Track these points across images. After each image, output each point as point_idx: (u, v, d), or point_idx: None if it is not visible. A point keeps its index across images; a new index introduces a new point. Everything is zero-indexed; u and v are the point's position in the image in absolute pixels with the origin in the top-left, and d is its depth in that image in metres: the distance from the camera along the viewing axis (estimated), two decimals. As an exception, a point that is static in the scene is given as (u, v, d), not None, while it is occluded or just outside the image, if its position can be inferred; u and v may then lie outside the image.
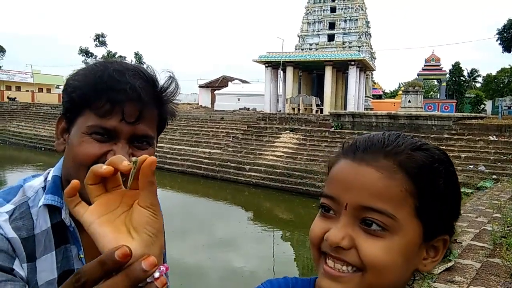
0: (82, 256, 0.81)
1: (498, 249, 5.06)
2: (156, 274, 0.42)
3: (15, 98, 34.74)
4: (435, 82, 45.03)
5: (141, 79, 0.77)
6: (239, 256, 8.13)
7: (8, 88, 40.44)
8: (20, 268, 0.71)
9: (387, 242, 0.54)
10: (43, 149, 23.20)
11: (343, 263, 0.56)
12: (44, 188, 0.82)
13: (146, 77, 0.79)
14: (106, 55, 36.32)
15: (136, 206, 0.47)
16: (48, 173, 0.85)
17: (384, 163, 0.56)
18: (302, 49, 30.29)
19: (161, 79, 0.83)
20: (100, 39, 38.23)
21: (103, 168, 0.46)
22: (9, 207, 0.75)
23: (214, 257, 7.92)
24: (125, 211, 0.48)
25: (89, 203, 0.48)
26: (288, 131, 17.33)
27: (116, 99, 0.74)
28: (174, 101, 0.87)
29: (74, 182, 0.47)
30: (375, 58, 32.46)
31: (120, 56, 38.84)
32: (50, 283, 0.76)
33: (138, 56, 39.33)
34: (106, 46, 38.43)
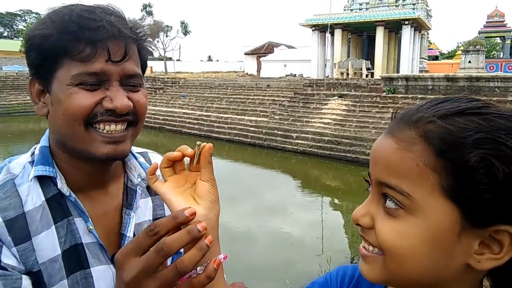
0: (92, 227, 0.75)
1: None
2: (198, 269, 0.54)
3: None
4: (498, 40, 41.59)
5: (113, 15, 0.70)
6: (288, 223, 8.15)
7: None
8: (10, 256, 0.66)
9: (402, 224, 0.48)
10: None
11: (368, 243, 0.53)
12: (31, 162, 0.75)
13: (117, 13, 0.72)
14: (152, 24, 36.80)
15: (199, 181, 0.61)
16: (35, 148, 0.78)
17: (406, 133, 0.49)
18: (352, 10, 28.77)
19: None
20: (147, 9, 38.69)
21: (174, 153, 0.60)
22: None
23: (263, 224, 8.01)
24: (189, 187, 0.62)
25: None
26: (336, 97, 16.80)
27: (96, 38, 0.67)
28: (152, 39, 0.79)
29: (155, 164, 0.62)
30: (431, 16, 30.22)
31: (167, 26, 39.27)
32: (53, 260, 0.70)
33: (184, 24, 39.46)
34: (152, 16, 38.88)
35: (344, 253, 6.64)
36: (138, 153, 0.90)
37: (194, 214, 0.52)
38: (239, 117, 18.30)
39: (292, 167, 13.44)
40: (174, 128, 19.20)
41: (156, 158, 0.96)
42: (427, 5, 28.96)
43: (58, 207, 0.73)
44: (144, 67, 0.80)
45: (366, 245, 0.53)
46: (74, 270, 0.73)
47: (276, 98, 19.27)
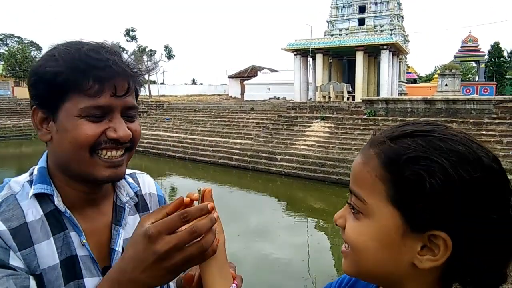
0: (85, 241, 0.82)
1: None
2: None
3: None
4: (473, 64, 43.22)
5: (116, 55, 0.80)
6: (274, 246, 8.15)
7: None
8: (16, 259, 0.73)
9: (360, 225, 0.59)
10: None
11: (344, 242, 0.63)
12: (30, 182, 0.83)
13: (117, 52, 0.81)
14: (137, 49, 36.92)
15: None
16: (33, 169, 0.86)
17: (368, 151, 0.60)
18: (332, 35, 29.67)
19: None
20: (130, 34, 38.83)
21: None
22: None
23: (249, 247, 7.99)
24: None
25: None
26: (319, 120, 17.10)
27: (105, 76, 0.76)
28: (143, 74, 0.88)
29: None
30: (408, 41, 31.36)
31: (151, 50, 39.46)
32: (52, 268, 0.77)
33: (168, 49, 39.73)
34: (136, 41, 39.02)
35: (330, 276, 6.66)
36: (127, 174, 0.97)
37: (213, 207, 0.68)
38: (223, 140, 18.38)
39: (277, 189, 13.49)
40: (159, 152, 19.12)
41: (144, 178, 1.04)
42: (404, 31, 30.09)
43: (55, 222, 0.80)
44: (136, 98, 0.89)
45: (345, 244, 0.63)
46: (70, 279, 0.79)
47: (260, 121, 19.48)
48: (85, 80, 0.75)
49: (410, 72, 40.16)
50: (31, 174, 0.85)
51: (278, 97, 30.27)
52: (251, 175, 15.12)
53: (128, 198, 0.93)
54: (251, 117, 20.64)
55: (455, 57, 36.17)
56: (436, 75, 30.37)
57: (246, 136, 18.17)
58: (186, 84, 48.46)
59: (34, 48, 48.03)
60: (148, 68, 0.88)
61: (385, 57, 24.15)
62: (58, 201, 0.81)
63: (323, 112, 17.72)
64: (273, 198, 12.55)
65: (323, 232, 9.69)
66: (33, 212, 0.78)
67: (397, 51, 26.19)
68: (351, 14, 29.97)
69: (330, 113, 17.52)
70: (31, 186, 0.81)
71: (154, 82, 41.51)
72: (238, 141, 17.76)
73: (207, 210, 0.67)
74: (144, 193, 1.00)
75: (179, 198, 0.70)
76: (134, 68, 0.83)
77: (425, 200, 0.52)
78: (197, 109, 24.01)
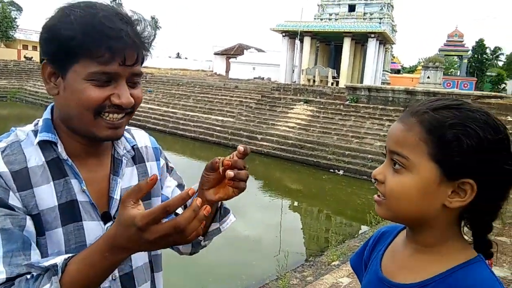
0: (85, 188, 0.89)
1: (506, 228, 5.10)
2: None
3: (32, 57, 34.92)
4: (456, 59, 43.89)
5: (129, 25, 0.83)
6: (247, 224, 8.27)
7: (25, 47, 40.55)
8: (15, 199, 0.79)
9: (403, 178, 0.74)
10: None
11: (379, 192, 0.78)
12: (34, 131, 0.88)
13: (130, 21, 0.84)
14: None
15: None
16: (38, 120, 0.91)
17: (410, 119, 0.75)
18: (321, 19, 29.53)
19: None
20: (116, 1, 37.73)
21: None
22: (1, 144, 0.84)
23: (223, 222, 8.07)
24: None
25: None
26: (302, 103, 17.18)
27: (116, 47, 0.80)
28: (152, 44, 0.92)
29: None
30: (396, 31, 31.51)
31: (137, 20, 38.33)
32: (50, 209, 0.84)
33: (154, 20, 38.81)
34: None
35: (300, 253, 6.86)
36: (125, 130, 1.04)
37: (194, 192, 0.68)
38: (205, 116, 18.29)
39: (256, 168, 13.59)
40: (138, 123, 18.82)
41: (139, 133, 1.11)
42: (392, 20, 30.20)
43: (56, 169, 0.87)
44: (142, 63, 0.93)
45: (378, 194, 0.79)
46: (68, 221, 0.86)
47: (244, 100, 19.42)
48: (97, 48, 0.78)
49: (394, 62, 40.50)
50: (36, 124, 0.90)
51: (263, 77, 30.13)
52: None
53: (125, 151, 1.00)
54: (234, 95, 20.53)
55: (439, 50, 36.66)
56: (420, 67, 30.77)
57: (228, 114, 18.11)
58: (170, 57, 47.51)
59: (14, 8, 45.90)
60: (153, 37, 0.90)
61: (372, 45, 24.28)
62: (61, 150, 0.87)
63: (307, 95, 17.79)
64: (250, 176, 12.55)
65: (297, 212, 9.89)
66: (36, 159, 0.84)
67: (384, 40, 26.35)
68: (342, -1, 29.78)
69: (314, 96, 17.60)
70: (35, 136, 0.87)
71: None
72: (220, 118, 17.71)
73: (188, 196, 0.68)
74: (140, 147, 1.07)
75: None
76: (145, 39, 0.86)
77: (461, 156, 0.69)
78: (181, 83, 23.69)
